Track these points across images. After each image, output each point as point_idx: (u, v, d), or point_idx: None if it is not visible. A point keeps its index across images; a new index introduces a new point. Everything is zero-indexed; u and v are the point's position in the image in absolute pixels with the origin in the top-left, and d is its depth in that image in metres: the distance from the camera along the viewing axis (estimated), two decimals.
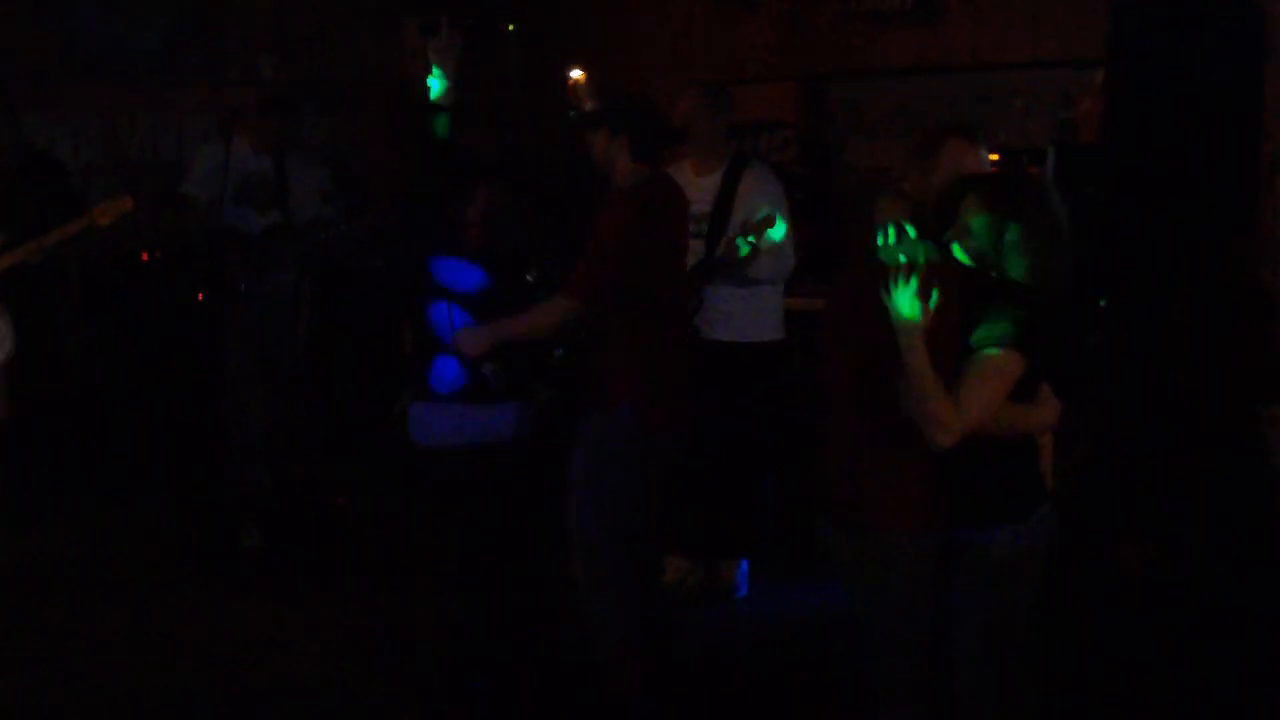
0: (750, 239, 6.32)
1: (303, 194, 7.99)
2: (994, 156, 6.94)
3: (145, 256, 9.45)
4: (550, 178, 5.59)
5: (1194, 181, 6.33)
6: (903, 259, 4.04)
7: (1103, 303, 6.10)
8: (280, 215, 7.88)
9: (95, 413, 9.16)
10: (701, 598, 6.86)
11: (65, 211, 7.58)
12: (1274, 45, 6.42)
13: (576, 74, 5.69)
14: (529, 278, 8.40)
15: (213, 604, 6.90)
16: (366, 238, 8.71)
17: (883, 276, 4.01)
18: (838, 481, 4.28)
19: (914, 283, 3.95)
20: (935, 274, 4.03)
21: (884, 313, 4.03)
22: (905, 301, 3.95)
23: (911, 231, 4.16)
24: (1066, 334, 4.17)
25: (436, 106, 5.46)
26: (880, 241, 4.20)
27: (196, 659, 6.22)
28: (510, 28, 10.15)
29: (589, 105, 5.70)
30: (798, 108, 9.19)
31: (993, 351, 3.97)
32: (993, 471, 4.12)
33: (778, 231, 6.39)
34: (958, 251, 4.14)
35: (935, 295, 3.95)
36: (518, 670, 5.88)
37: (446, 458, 5.34)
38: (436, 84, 5.50)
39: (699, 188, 6.55)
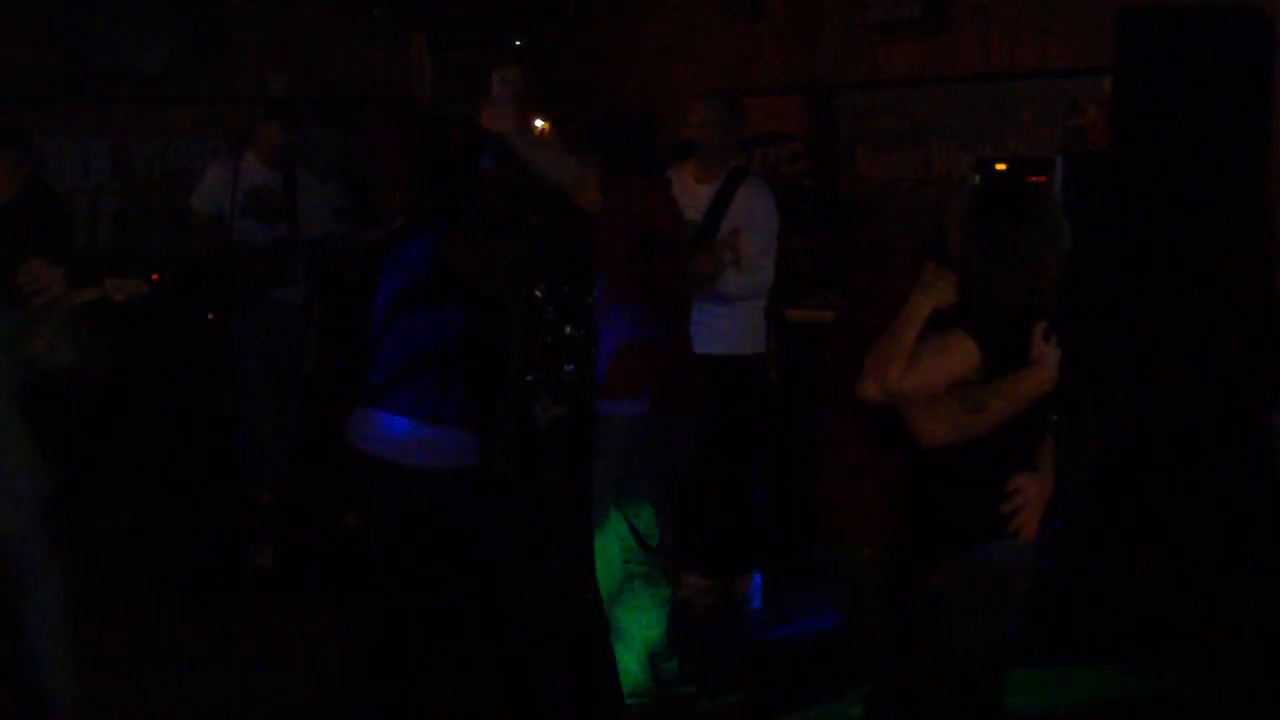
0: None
1: (312, 208, 7.98)
2: (1001, 166, 6.94)
3: (155, 276, 9.45)
4: (556, 192, 5.54)
5: (1202, 187, 6.32)
6: None
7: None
8: (288, 229, 7.86)
9: (107, 429, 9.16)
10: (716, 613, 6.84)
11: (60, 240, 7.61)
12: None
13: (540, 124, 5.67)
14: (537, 293, 8.40)
15: (223, 620, 6.90)
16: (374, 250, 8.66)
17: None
18: (817, 494, 4.39)
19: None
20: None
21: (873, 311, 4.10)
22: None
23: None
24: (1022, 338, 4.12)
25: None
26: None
27: (205, 676, 6.22)
28: (517, 42, 10.16)
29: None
30: (805, 119, 9.19)
31: (953, 331, 3.98)
32: (956, 495, 4.09)
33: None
34: None
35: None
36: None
37: (399, 471, 5.13)
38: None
39: (694, 195, 6.58)
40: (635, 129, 5.55)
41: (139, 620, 6.88)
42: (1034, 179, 6.45)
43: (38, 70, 9.63)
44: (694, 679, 5.65)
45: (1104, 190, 6.50)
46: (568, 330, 8.43)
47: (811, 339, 7.55)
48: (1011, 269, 3.99)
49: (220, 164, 8.02)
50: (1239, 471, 6.12)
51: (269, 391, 7.90)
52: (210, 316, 8.03)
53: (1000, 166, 6.94)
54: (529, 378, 8.40)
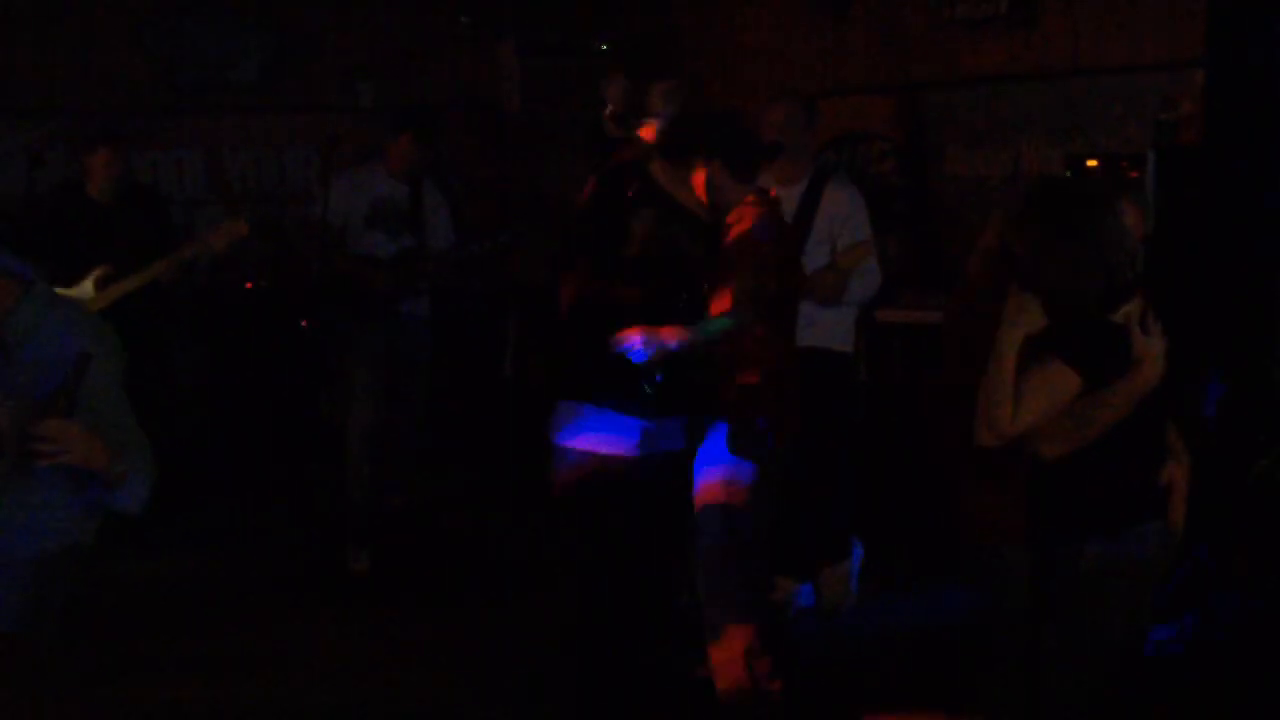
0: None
1: (438, 220, 7.90)
2: (1092, 163, 6.89)
3: (249, 285, 9.56)
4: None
5: None
6: None
7: None
8: (415, 240, 7.77)
9: (204, 436, 9.26)
10: (811, 613, 6.83)
11: (166, 245, 7.62)
12: None
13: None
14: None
15: (321, 626, 6.95)
16: (498, 257, 8.48)
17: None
18: (948, 494, 4.46)
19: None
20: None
21: (982, 327, 4.08)
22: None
23: None
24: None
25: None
26: None
27: (305, 681, 6.26)
28: (604, 47, 10.17)
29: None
30: (894, 118, 9.15)
31: (1049, 362, 4.01)
32: (1085, 483, 4.12)
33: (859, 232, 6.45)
34: None
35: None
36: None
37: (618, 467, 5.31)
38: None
39: (781, 198, 6.55)
40: (745, 130, 5.45)
41: (236, 624, 6.93)
42: (1132, 173, 6.42)
43: (131, 83, 9.76)
44: (783, 676, 5.66)
45: (1197, 185, 6.44)
46: None
47: (903, 339, 7.53)
48: (1073, 266, 4.01)
49: (343, 178, 7.84)
50: None
51: (383, 400, 7.80)
52: (303, 324, 8.03)
53: (1091, 163, 6.90)
54: None
